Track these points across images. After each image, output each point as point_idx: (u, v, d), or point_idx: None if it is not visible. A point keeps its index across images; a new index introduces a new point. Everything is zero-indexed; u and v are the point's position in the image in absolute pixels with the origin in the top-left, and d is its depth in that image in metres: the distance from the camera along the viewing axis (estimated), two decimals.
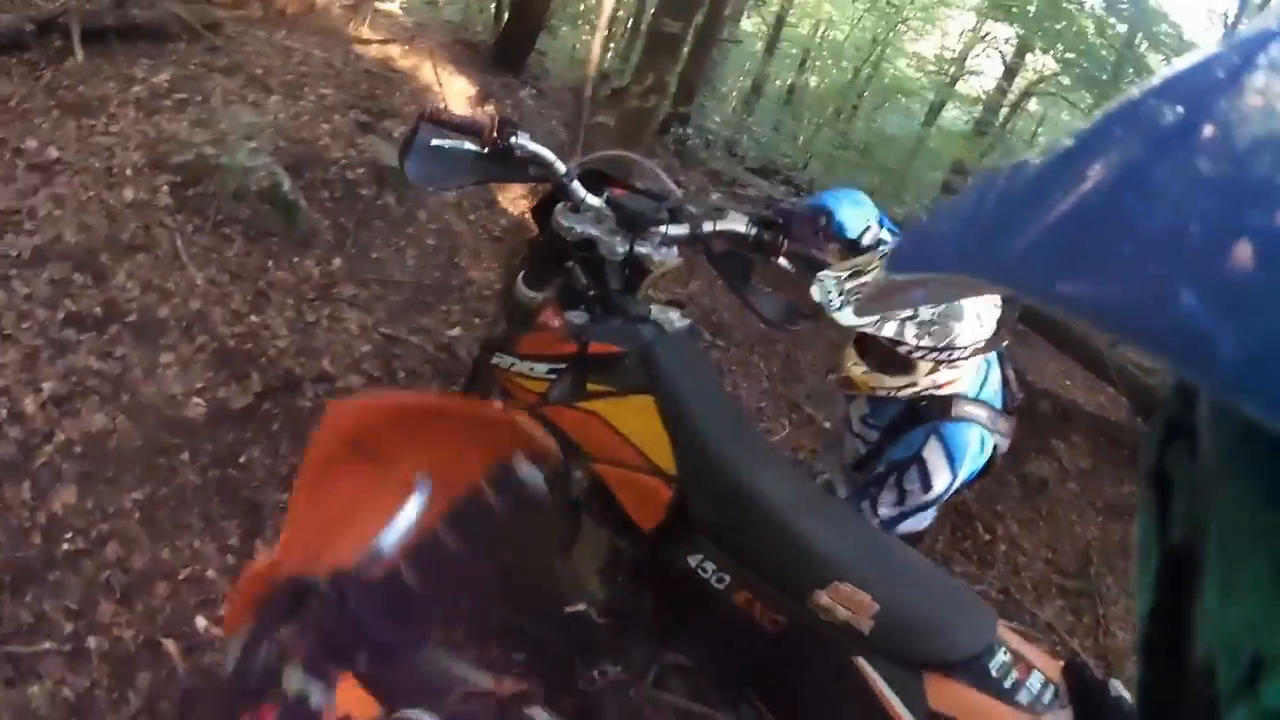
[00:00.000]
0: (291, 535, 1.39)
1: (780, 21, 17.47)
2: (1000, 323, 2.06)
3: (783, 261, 2.24)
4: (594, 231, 2.12)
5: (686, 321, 2.18)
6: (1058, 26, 11.03)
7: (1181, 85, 0.30)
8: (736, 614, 1.80)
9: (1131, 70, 9.88)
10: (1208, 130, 0.26)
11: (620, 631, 1.97)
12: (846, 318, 1.95)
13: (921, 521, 2.35)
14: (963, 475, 2.17)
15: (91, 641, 2.38)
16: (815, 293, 1.97)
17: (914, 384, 2.14)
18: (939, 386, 2.14)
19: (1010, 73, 17.82)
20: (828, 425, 5.29)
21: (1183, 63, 0.31)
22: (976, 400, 2.19)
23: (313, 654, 1.13)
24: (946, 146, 15.95)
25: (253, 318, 3.65)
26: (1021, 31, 13.90)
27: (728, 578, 1.80)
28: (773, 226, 2.20)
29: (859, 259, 2.11)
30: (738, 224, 2.20)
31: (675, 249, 2.20)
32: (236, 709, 1.16)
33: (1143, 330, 0.24)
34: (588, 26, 15.14)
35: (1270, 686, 0.25)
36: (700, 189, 8.35)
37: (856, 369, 2.20)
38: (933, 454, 2.15)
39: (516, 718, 1.11)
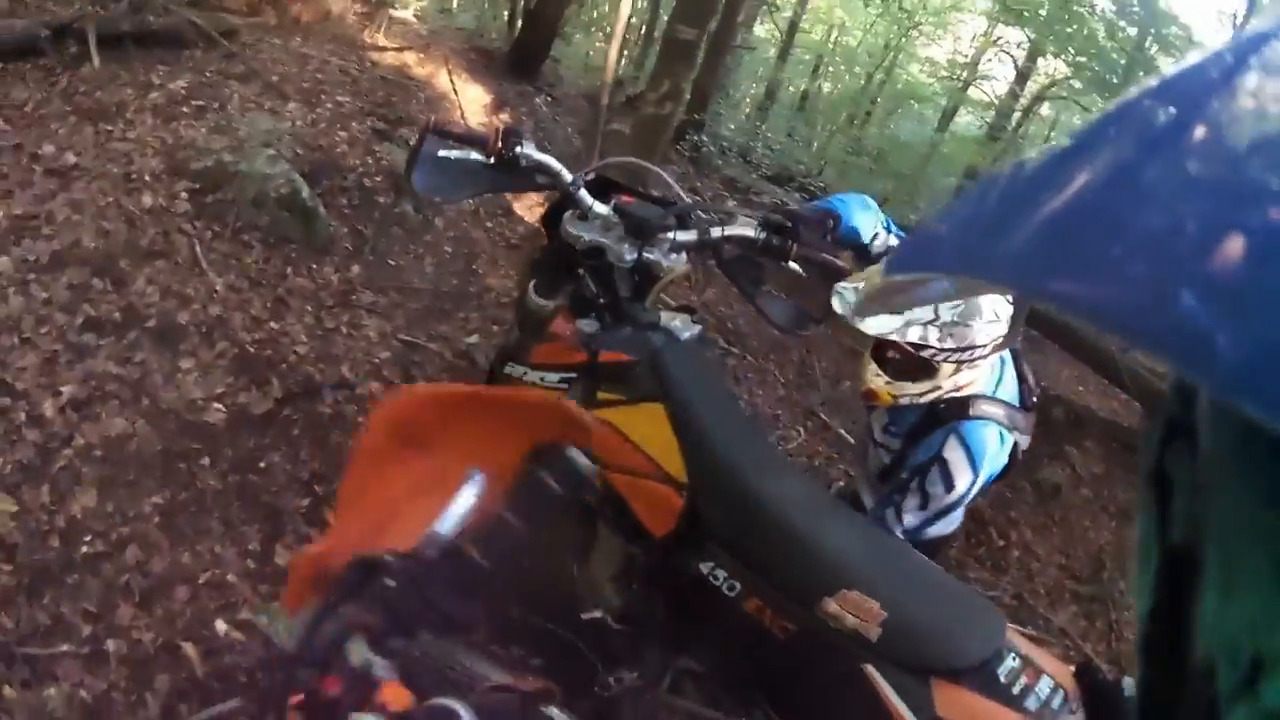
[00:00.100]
0: (343, 521, 1.44)
1: (793, 27, 17.47)
2: (1013, 318, 2.08)
3: (793, 265, 2.24)
4: (602, 239, 2.13)
5: (697, 328, 2.18)
6: (1069, 30, 11.01)
7: (1175, 87, 0.30)
8: (747, 621, 1.80)
9: (1142, 73, 9.87)
10: (1199, 131, 0.27)
11: (635, 638, 1.98)
12: (871, 327, 1.99)
13: (949, 525, 2.35)
14: (984, 473, 2.16)
15: (110, 644, 2.39)
16: (836, 304, 1.98)
17: (937, 387, 2.14)
18: (959, 388, 2.15)
19: (1022, 77, 17.82)
20: (843, 432, 5.29)
21: (1178, 65, 0.31)
22: (993, 399, 2.20)
23: (378, 629, 1.17)
24: (960, 152, 15.97)
25: (272, 324, 3.68)
26: (1033, 35, 13.89)
27: (738, 585, 1.81)
28: (782, 231, 2.21)
29: (874, 268, 2.12)
30: (747, 229, 2.20)
31: (684, 255, 2.20)
32: (299, 681, 1.20)
33: (1141, 330, 0.24)
34: (600, 34, 15.18)
35: (1270, 686, 0.26)
36: (715, 196, 8.36)
37: (878, 380, 2.20)
38: (953, 453, 2.14)
39: (536, 715, 1.13)
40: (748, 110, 17.64)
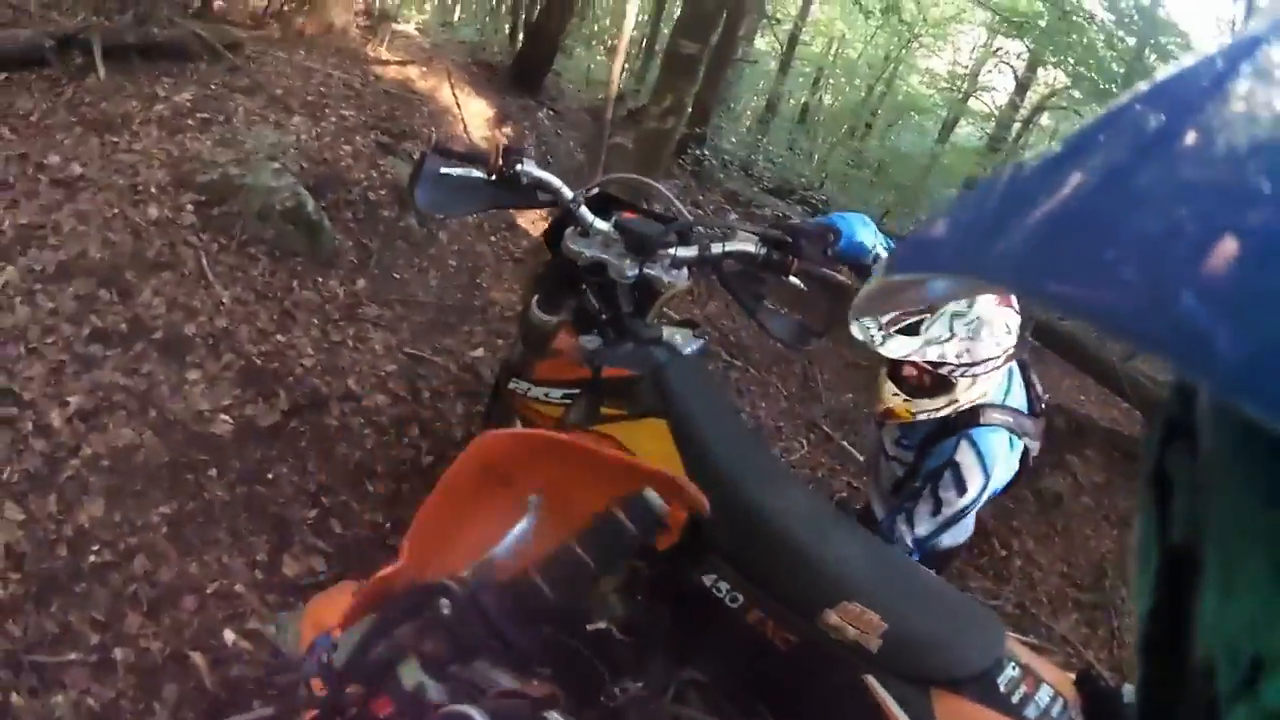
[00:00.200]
0: (416, 544, 1.47)
1: (794, 40, 17.48)
2: (1023, 326, 2.12)
3: (794, 280, 2.27)
4: (603, 255, 2.15)
5: (699, 342, 2.20)
6: (1068, 40, 11.03)
7: (1167, 91, 0.30)
8: (749, 632, 1.82)
9: (1141, 82, 9.85)
10: (1191, 135, 0.27)
11: (640, 648, 1.99)
12: (890, 350, 2.06)
13: (959, 536, 2.39)
14: (996, 477, 2.20)
15: (118, 653, 2.39)
16: (855, 331, 2.05)
17: (954, 401, 2.19)
18: (973, 399, 2.20)
19: (1022, 87, 17.85)
20: (845, 444, 5.31)
21: (1171, 70, 0.31)
22: (1002, 406, 2.24)
23: (434, 653, 1.19)
24: (960, 163, 15.97)
25: (279, 336, 3.69)
26: (1032, 46, 13.90)
27: (741, 597, 1.82)
28: (782, 246, 2.23)
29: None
30: (747, 244, 2.23)
31: (685, 271, 2.22)
32: (347, 700, 1.22)
33: (1140, 331, 0.24)
34: (601, 47, 15.22)
35: (1270, 686, 0.25)
36: (717, 209, 8.38)
37: (896, 399, 2.25)
38: (965, 456, 2.18)
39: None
40: (749, 123, 17.64)
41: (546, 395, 2.21)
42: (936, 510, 2.22)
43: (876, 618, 1.69)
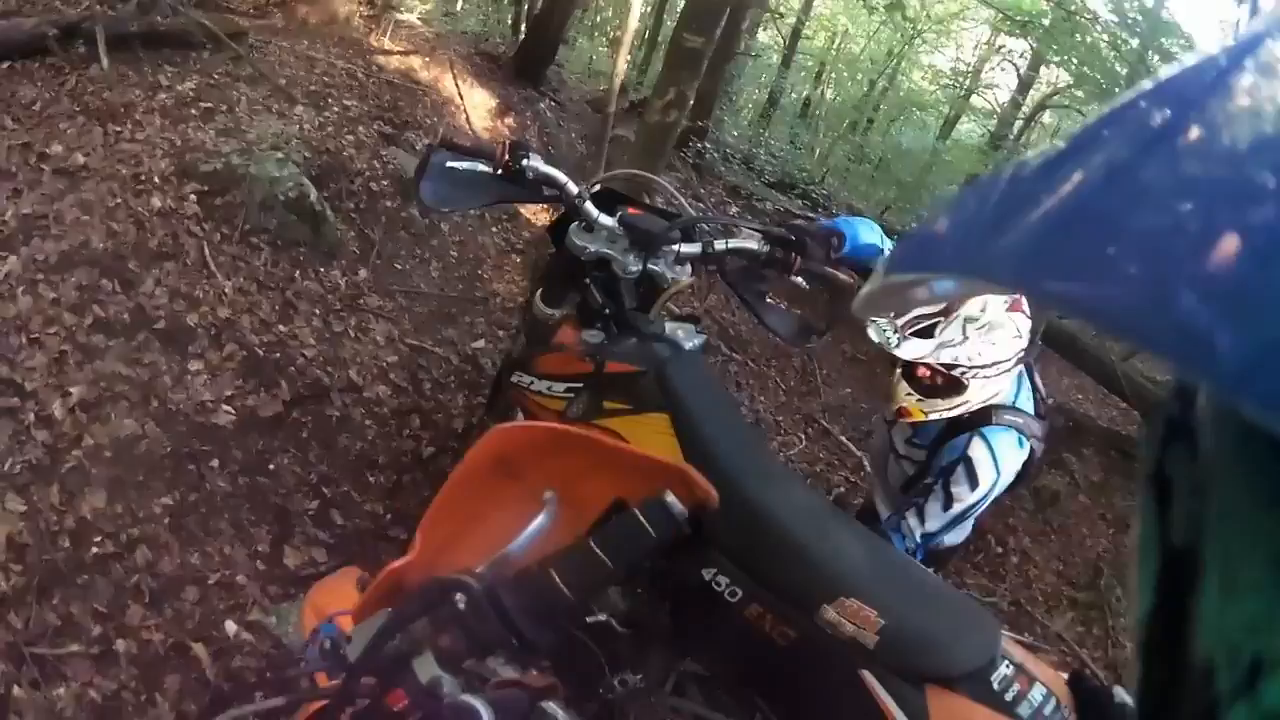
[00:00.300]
0: (426, 539, 1.48)
1: (797, 34, 17.42)
2: (1033, 330, 2.16)
3: (797, 279, 2.28)
4: (607, 251, 2.16)
5: (700, 338, 2.21)
6: (1072, 39, 11.01)
7: (1170, 88, 0.30)
8: (748, 627, 1.83)
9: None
10: (1194, 131, 0.27)
11: (640, 641, 2.00)
12: (906, 352, 2.11)
13: (959, 534, 2.41)
14: (1005, 474, 2.25)
15: (119, 644, 2.40)
16: (871, 333, 2.10)
17: (966, 401, 2.23)
18: (985, 400, 2.25)
19: (1024, 85, 17.82)
20: (843, 439, 5.32)
21: (1174, 67, 0.31)
22: (1014, 408, 2.29)
23: (450, 647, 1.20)
24: (961, 160, 15.94)
25: (281, 327, 3.70)
26: (1035, 45, 13.89)
27: (740, 591, 1.82)
28: (785, 244, 2.25)
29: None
30: (750, 242, 2.25)
31: (688, 267, 2.24)
32: (358, 691, 1.23)
33: (1140, 330, 0.24)
34: (604, 38, 15.19)
35: (1270, 687, 0.25)
36: (718, 203, 8.38)
37: (910, 399, 2.28)
38: (978, 452, 2.23)
39: (540, 711, 1.16)
40: (750, 117, 17.61)
41: (549, 389, 2.22)
42: (948, 505, 2.26)
43: (874, 614, 1.70)
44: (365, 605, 1.44)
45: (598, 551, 1.31)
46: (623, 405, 2.07)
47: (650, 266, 2.16)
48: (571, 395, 2.17)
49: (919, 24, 16.12)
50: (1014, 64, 18.15)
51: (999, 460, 2.23)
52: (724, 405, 2.28)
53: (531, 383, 2.27)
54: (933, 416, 2.29)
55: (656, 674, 1.98)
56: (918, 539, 2.31)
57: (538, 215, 5.72)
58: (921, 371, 2.22)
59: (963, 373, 2.14)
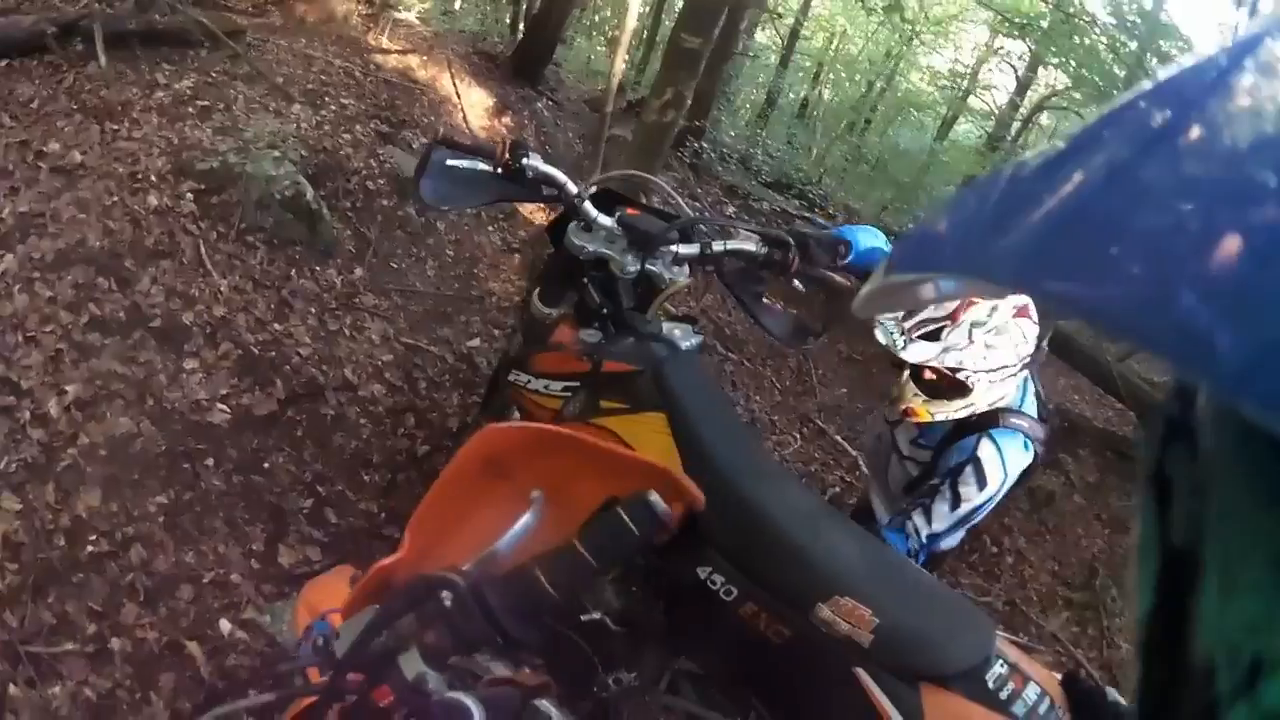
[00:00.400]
0: (414, 538, 1.49)
1: (795, 35, 17.42)
2: (1040, 336, 2.19)
3: (794, 281, 2.29)
4: (606, 251, 2.17)
5: (697, 338, 2.22)
6: (1070, 41, 11.02)
7: (1171, 88, 0.30)
8: (743, 625, 1.83)
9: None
10: (1195, 131, 0.27)
11: (634, 639, 2.00)
12: (912, 355, 2.14)
13: (953, 538, 2.42)
14: (1012, 476, 2.28)
15: (115, 643, 2.41)
16: (879, 335, 2.14)
17: (972, 404, 2.25)
18: (992, 403, 2.27)
19: (1022, 87, 17.83)
20: (839, 439, 5.32)
21: (1174, 67, 0.31)
22: (1020, 412, 2.32)
23: (435, 644, 1.21)
24: (959, 161, 15.96)
25: (276, 325, 3.70)
26: (1034, 46, 13.90)
27: (735, 590, 1.83)
28: (784, 245, 2.25)
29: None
30: (748, 243, 2.25)
31: (686, 268, 2.24)
32: (346, 687, 1.23)
33: (1140, 330, 0.24)
34: (602, 38, 15.19)
35: (1270, 687, 0.25)
36: (715, 202, 8.38)
37: (917, 399, 2.30)
38: (986, 452, 2.26)
39: (533, 709, 1.17)
40: (748, 117, 17.61)
41: (546, 388, 2.23)
42: (955, 505, 2.28)
43: (868, 613, 1.70)
44: (354, 602, 1.45)
45: (582, 550, 1.32)
46: (619, 404, 2.07)
47: (648, 267, 2.17)
48: (568, 394, 2.17)
49: (917, 25, 16.10)
50: (1012, 65, 18.13)
51: (1007, 462, 2.26)
52: (720, 405, 2.29)
53: (528, 381, 2.27)
54: (939, 417, 2.30)
55: (651, 672, 1.98)
56: (923, 539, 2.32)
57: (534, 214, 5.72)
58: (928, 374, 2.24)
59: (967, 376, 2.16)
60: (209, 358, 3.36)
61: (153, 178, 4.02)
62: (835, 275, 2.37)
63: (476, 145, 2.16)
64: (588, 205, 2.17)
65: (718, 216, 7.14)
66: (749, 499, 1.88)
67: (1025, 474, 2.36)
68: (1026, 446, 2.30)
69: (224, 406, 3.20)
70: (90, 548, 2.58)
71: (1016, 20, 12.57)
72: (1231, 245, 0.23)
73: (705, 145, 9.66)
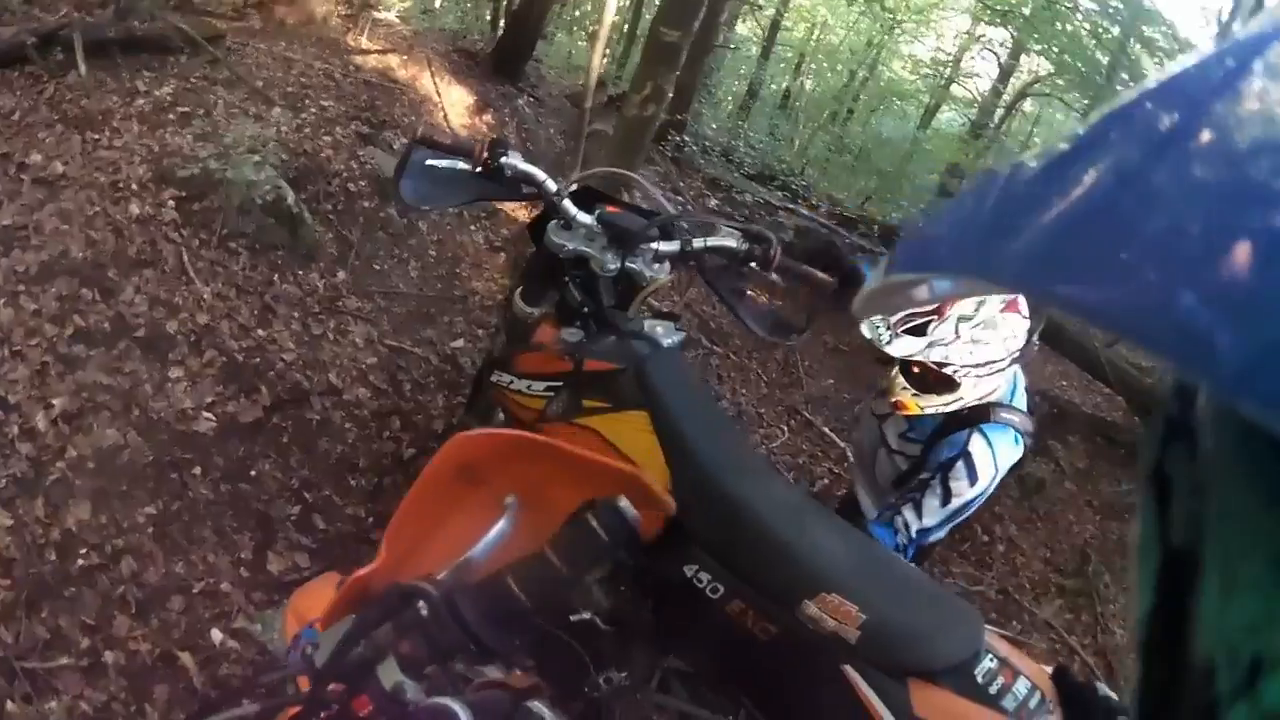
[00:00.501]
0: (391, 546, 1.49)
1: (775, 26, 17.43)
2: (1030, 332, 2.20)
3: (774, 276, 2.30)
4: (586, 249, 2.17)
5: (680, 335, 2.22)
6: (1053, 28, 11.03)
7: (1177, 89, 0.30)
8: (731, 623, 1.84)
9: (1125, 72, 9.90)
10: (1205, 134, 0.27)
11: (623, 639, 2.01)
12: (897, 349, 2.15)
13: (941, 532, 2.44)
14: (1002, 471, 2.30)
15: (108, 656, 2.41)
16: (864, 329, 2.14)
17: (961, 399, 2.27)
18: (982, 397, 2.28)
19: (1005, 74, 17.83)
20: (826, 430, 5.33)
21: (1178, 66, 0.31)
22: (1011, 406, 2.34)
23: (411, 653, 1.22)
24: (942, 149, 15.98)
25: (260, 331, 3.68)
26: (1016, 34, 13.91)
27: (721, 588, 1.83)
28: (764, 241, 2.26)
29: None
30: (729, 239, 2.26)
31: (667, 265, 2.25)
32: (326, 697, 1.24)
33: (1143, 331, 0.24)
34: (582, 32, 15.15)
35: (1270, 687, 0.25)
36: (697, 195, 8.38)
37: (906, 393, 2.32)
38: (977, 447, 2.27)
39: (524, 711, 1.17)
40: (730, 109, 17.59)
41: (529, 387, 2.23)
42: (946, 500, 2.29)
43: (855, 609, 1.71)
44: (333, 611, 1.46)
45: (552, 558, 1.33)
46: (602, 403, 2.07)
47: (628, 264, 2.17)
48: (551, 394, 2.18)
49: (898, 14, 16.14)
50: (994, 52, 18.11)
51: (997, 457, 2.27)
52: (703, 401, 2.29)
53: (511, 382, 2.27)
54: (928, 411, 2.32)
55: (641, 671, 1.99)
56: (913, 534, 2.33)
57: (517, 212, 5.70)
58: (915, 367, 2.25)
59: (954, 371, 2.17)
60: (194, 366, 3.35)
61: (134, 186, 4.00)
62: (816, 271, 2.38)
63: (456, 144, 2.16)
64: (567, 203, 2.17)
65: (698, 213, 7.15)
66: (732, 495, 1.89)
67: (1014, 467, 2.37)
68: (1017, 441, 2.31)
69: (209, 415, 3.20)
70: (81, 561, 2.58)
71: (998, 7, 12.57)
72: (1244, 250, 0.23)
73: (687, 139, 9.66)
